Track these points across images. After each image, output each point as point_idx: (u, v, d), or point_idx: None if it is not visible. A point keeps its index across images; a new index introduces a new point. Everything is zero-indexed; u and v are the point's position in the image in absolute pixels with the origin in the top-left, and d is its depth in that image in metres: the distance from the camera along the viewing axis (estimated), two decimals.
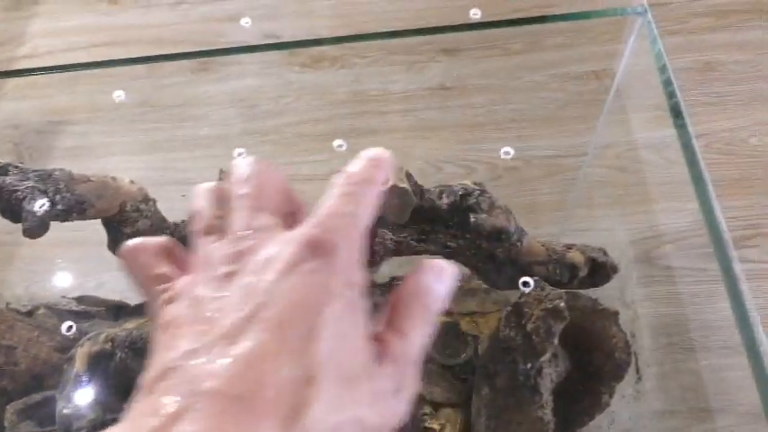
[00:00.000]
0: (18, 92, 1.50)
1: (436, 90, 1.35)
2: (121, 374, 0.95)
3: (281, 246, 0.35)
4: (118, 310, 1.11)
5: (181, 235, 0.74)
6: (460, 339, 1.00)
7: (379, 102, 1.35)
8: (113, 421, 0.32)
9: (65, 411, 0.86)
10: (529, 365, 0.59)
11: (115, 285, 1.19)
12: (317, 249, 0.34)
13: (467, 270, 0.76)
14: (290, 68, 1.41)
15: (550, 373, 0.66)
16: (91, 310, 1.12)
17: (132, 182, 0.72)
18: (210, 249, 0.36)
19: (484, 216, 0.67)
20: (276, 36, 1.50)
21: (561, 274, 0.71)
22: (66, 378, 0.89)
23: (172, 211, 0.91)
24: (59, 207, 0.60)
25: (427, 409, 0.95)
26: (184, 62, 1.49)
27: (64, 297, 1.11)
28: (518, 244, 0.67)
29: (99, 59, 1.40)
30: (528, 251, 0.68)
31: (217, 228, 0.38)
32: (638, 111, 1.27)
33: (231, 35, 1.50)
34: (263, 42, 1.51)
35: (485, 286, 1.05)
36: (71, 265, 1.21)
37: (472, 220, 0.67)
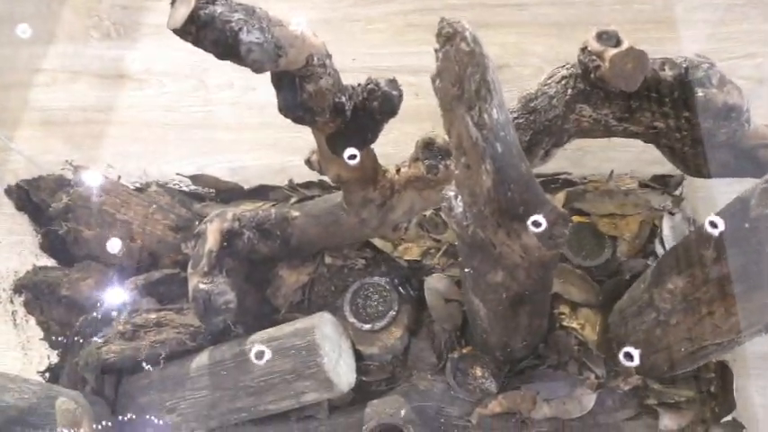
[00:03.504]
0: None
1: None
2: (249, 256, 0.91)
3: None
4: (230, 193, 1.06)
5: (359, 99, 0.68)
6: (598, 241, 0.96)
7: None
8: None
9: (202, 286, 0.82)
10: None
11: (215, 170, 1.14)
12: None
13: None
14: None
15: None
16: (201, 191, 1.07)
17: (316, 35, 0.66)
18: None
19: (714, 91, 0.61)
20: None
21: None
22: (199, 253, 0.85)
23: None
24: (266, 44, 0.54)
25: (564, 309, 0.92)
26: None
27: (179, 174, 1.06)
28: (745, 125, 0.62)
29: None
30: (755, 134, 0.62)
31: None
32: None
33: None
34: None
35: (624, 188, 1.00)
36: (172, 148, 1.16)
37: (700, 94, 0.61)
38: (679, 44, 1.20)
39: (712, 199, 1.00)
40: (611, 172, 0.99)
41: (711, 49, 1.18)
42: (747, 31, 1.21)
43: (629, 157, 1.08)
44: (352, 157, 0.69)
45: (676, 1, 1.24)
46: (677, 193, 0.98)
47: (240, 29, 0.52)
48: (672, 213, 0.95)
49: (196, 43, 0.55)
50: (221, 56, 0.54)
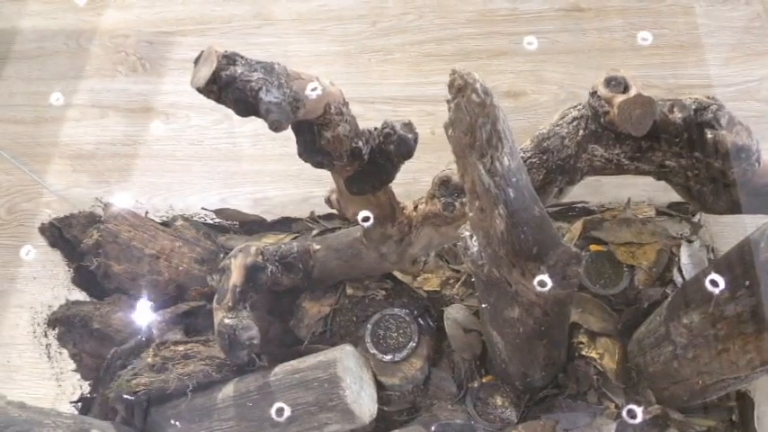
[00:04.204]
0: (122, 1, 1.45)
1: (570, 11, 1.28)
2: (272, 289, 0.94)
3: None
4: (253, 225, 1.09)
5: (376, 143, 0.70)
6: (615, 269, 0.96)
7: (509, 22, 1.28)
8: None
9: (227, 321, 0.84)
10: None
11: (239, 201, 1.17)
12: None
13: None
14: None
15: None
16: (226, 223, 1.10)
17: (332, 83, 0.68)
18: None
19: (723, 132, 0.62)
20: None
21: None
22: (224, 288, 0.88)
23: None
24: (284, 103, 0.56)
25: (583, 338, 0.93)
26: None
27: (204, 209, 1.09)
28: (756, 165, 0.63)
29: None
30: (765, 172, 0.63)
31: None
32: None
33: None
34: None
35: (641, 216, 1.00)
36: (197, 180, 1.19)
37: (709, 136, 0.62)
38: (698, 68, 1.21)
39: (730, 225, 1.00)
40: (629, 200, 1.00)
41: (730, 72, 1.19)
42: (766, 54, 1.21)
43: (646, 182, 1.09)
44: (366, 219, 0.71)
45: (695, 25, 1.24)
46: (695, 220, 0.98)
47: (260, 88, 0.55)
48: (690, 241, 0.95)
49: (218, 101, 0.58)
50: (242, 113, 0.57)
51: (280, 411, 0.76)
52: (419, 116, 1.21)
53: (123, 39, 1.38)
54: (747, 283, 0.54)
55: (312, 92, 0.59)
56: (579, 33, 1.26)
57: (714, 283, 0.55)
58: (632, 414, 0.63)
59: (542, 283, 0.57)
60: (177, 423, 0.86)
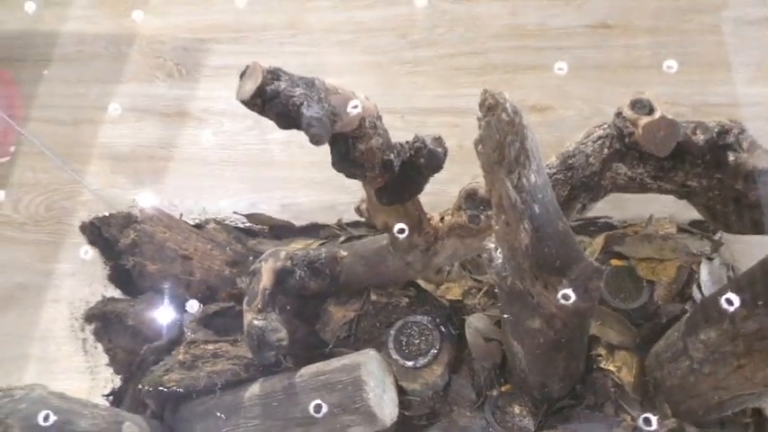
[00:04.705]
0: (161, 8, 1.50)
1: (597, 28, 1.30)
2: (300, 293, 0.97)
3: None
4: (282, 230, 1.13)
5: (407, 156, 0.73)
6: (636, 284, 0.98)
7: (537, 37, 1.31)
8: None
9: (256, 323, 0.88)
10: None
11: (268, 206, 1.21)
12: None
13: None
14: None
15: None
16: (255, 227, 1.14)
17: (367, 98, 0.72)
18: None
19: (745, 155, 0.64)
20: None
21: None
22: (254, 290, 0.91)
23: None
24: (324, 117, 0.60)
25: (602, 351, 0.94)
26: None
27: (235, 213, 1.13)
28: None
29: None
30: None
31: None
32: None
33: None
34: None
35: (662, 232, 1.02)
36: (228, 184, 1.23)
37: (731, 158, 0.64)
38: (724, 86, 1.22)
39: (750, 243, 1.01)
40: (651, 216, 1.02)
41: (756, 92, 1.20)
42: None
43: (668, 198, 1.10)
44: (402, 231, 0.74)
45: (720, 42, 1.26)
46: (716, 237, 1.00)
47: (302, 103, 0.58)
48: (710, 259, 0.97)
49: (261, 113, 0.61)
50: (284, 126, 0.60)
51: (318, 407, 0.79)
52: (447, 128, 1.24)
53: (160, 45, 1.43)
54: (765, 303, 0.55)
55: (354, 109, 0.62)
56: (606, 50, 1.28)
57: (729, 301, 0.57)
58: (648, 422, 0.65)
59: (566, 297, 0.60)
60: (207, 418, 0.90)
